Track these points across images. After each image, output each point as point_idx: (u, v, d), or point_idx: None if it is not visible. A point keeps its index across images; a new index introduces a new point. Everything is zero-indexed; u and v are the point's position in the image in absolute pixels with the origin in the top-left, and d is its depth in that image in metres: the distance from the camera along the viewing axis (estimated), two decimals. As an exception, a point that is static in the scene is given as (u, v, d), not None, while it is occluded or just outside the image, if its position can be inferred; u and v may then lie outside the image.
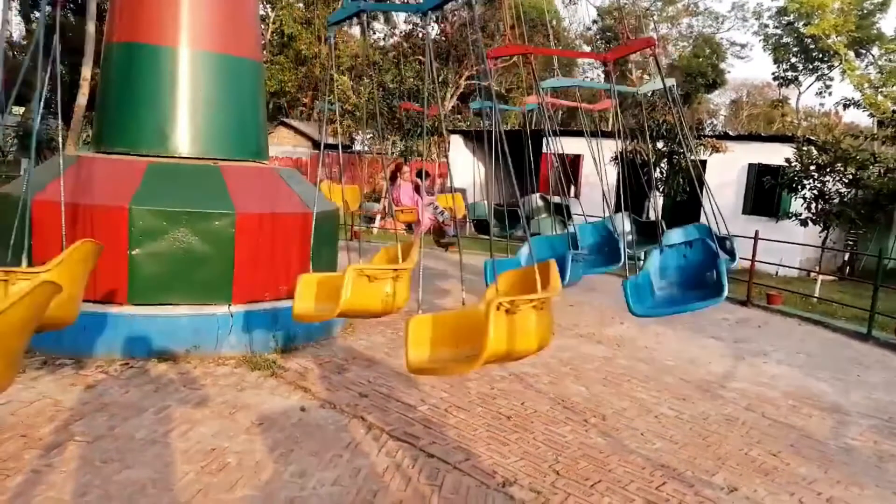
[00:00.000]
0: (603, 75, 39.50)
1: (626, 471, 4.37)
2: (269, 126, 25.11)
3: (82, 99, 15.57)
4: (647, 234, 6.89)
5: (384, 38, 35.54)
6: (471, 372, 3.20)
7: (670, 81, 7.88)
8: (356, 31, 37.98)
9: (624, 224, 6.56)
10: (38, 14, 30.03)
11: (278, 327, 6.21)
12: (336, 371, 5.86)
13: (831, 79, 34.96)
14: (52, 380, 5.10)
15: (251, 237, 6.15)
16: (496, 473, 4.15)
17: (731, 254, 5.67)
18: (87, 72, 15.29)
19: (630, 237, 6.75)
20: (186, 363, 5.65)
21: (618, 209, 8.75)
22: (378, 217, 20.40)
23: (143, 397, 4.87)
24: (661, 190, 16.28)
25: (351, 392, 5.36)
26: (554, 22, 33.49)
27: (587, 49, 41.22)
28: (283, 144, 28.75)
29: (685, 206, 16.25)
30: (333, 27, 5.11)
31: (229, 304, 6.04)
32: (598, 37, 40.72)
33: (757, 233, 11.39)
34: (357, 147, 28.23)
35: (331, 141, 29.59)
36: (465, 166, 19.38)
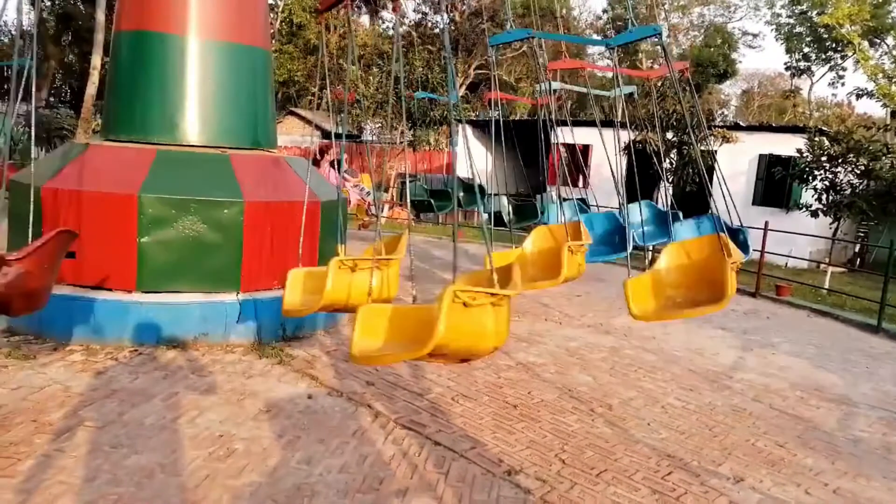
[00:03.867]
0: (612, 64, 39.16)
1: (632, 460, 4.37)
2: (278, 115, 25.13)
3: (92, 87, 15.64)
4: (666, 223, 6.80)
5: (393, 28, 35.39)
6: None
7: (632, 89, 7.93)
8: (365, 20, 37.85)
9: (641, 213, 6.51)
10: (47, 2, 30.10)
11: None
12: (343, 359, 5.88)
13: (844, 69, 34.59)
14: (62, 366, 5.14)
15: (259, 225, 6.17)
16: (502, 462, 4.16)
17: (745, 247, 5.59)
18: (97, 60, 15.35)
19: (649, 227, 6.67)
20: (195, 350, 5.69)
21: (630, 199, 8.70)
22: (385, 207, 20.40)
23: (152, 384, 4.91)
24: (670, 180, 16.20)
25: (358, 380, 5.39)
26: (564, 11, 33.27)
27: (597, 37, 40.89)
28: (292, 133, 28.74)
29: (695, 196, 16.16)
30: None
31: (237, 292, 6.07)
32: (608, 26, 40.41)
33: (767, 224, 11.32)
34: (366, 136, 28.19)
35: (341, 130, 29.55)
36: (477, 156, 19.33)
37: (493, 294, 2.91)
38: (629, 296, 3.94)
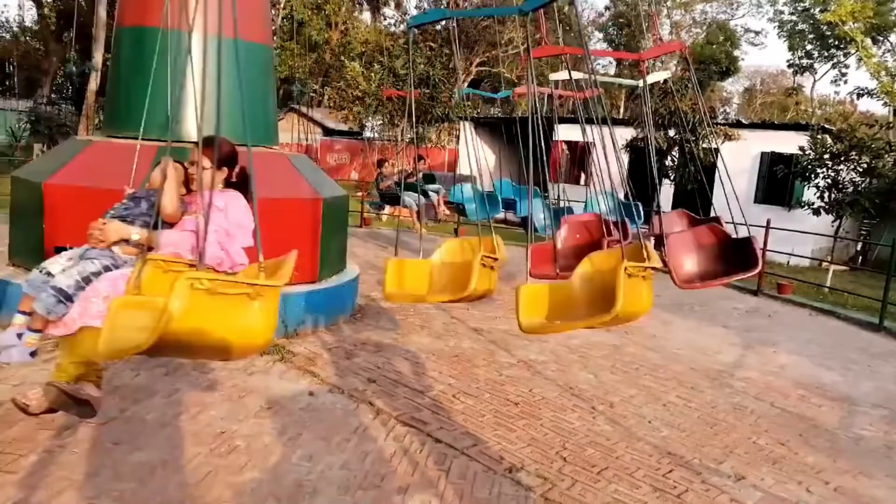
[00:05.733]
0: (614, 62, 39.19)
1: (633, 458, 4.37)
2: (279, 112, 25.11)
3: (94, 84, 15.65)
4: None
5: (395, 25, 35.35)
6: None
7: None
8: (367, 16, 37.80)
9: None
10: (49, -1, 30.09)
11: (287, 312, 6.24)
12: (344, 356, 5.89)
13: (847, 66, 34.54)
14: (64, 362, 5.15)
15: (261, 222, 6.16)
16: (503, 459, 4.17)
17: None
18: (98, 57, 15.36)
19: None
20: (196, 347, 5.69)
21: (628, 199, 8.64)
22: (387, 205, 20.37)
23: (153, 381, 4.92)
24: (672, 178, 16.18)
25: (359, 377, 5.39)
26: (566, 8, 33.19)
27: (599, 35, 40.87)
28: (293, 130, 28.75)
29: (696, 194, 16.11)
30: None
31: (239, 289, 6.07)
32: (609, 23, 40.32)
33: (769, 222, 11.31)
34: (367, 134, 28.20)
35: (342, 127, 29.55)
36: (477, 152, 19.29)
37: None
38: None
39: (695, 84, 4.91)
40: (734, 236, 5.53)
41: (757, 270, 5.06)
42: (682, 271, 5.31)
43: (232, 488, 3.53)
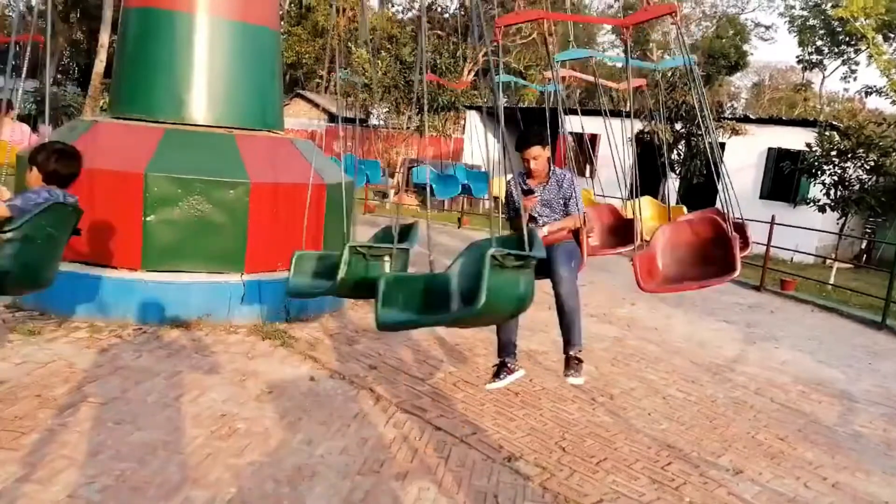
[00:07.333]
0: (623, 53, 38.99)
1: (632, 450, 4.38)
2: (285, 98, 25.05)
3: (100, 65, 15.61)
4: None
5: (402, 12, 35.19)
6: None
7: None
8: (375, 3, 37.61)
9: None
10: (57, -21, 29.94)
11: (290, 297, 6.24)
12: (346, 342, 5.90)
13: (857, 63, 34.27)
14: (66, 342, 5.17)
15: (265, 207, 6.16)
16: (502, 448, 4.18)
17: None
18: (104, 37, 15.32)
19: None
20: (198, 330, 5.71)
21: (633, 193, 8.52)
22: (392, 192, 20.37)
23: (155, 362, 4.93)
24: (678, 172, 16.13)
25: (360, 363, 5.40)
26: (575, -2, 32.99)
27: (607, 27, 40.64)
28: (299, 116, 28.69)
29: (702, 189, 16.07)
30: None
31: (242, 273, 6.08)
32: (620, 15, 40.05)
33: (773, 218, 11.27)
34: (373, 121, 28.12)
35: (347, 114, 29.48)
36: (483, 142, 19.19)
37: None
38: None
39: (684, 48, 4.75)
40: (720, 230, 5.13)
41: (734, 275, 4.49)
42: (646, 273, 4.80)
43: (231, 470, 3.55)
